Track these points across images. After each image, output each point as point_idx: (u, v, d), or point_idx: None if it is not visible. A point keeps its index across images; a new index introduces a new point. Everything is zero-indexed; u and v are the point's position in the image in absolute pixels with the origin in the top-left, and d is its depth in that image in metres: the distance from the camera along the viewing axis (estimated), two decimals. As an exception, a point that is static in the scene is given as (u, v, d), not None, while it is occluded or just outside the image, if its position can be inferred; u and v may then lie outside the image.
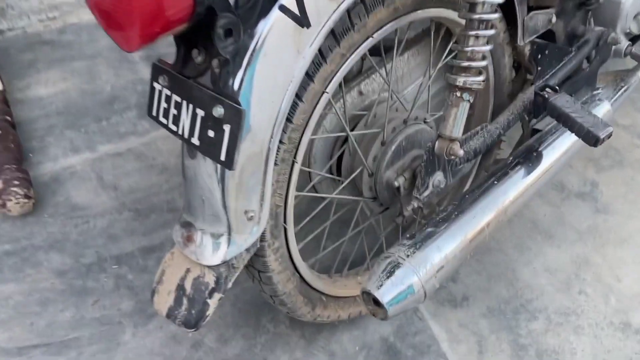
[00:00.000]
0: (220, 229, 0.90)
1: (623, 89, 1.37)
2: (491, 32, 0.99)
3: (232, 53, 0.78)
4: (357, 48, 0.96)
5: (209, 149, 0.81)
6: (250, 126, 0.82)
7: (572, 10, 1.36)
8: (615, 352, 1.33)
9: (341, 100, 1.16)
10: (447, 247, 1.05)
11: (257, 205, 0.90)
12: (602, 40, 1.33)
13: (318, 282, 1.17)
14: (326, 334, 1.34)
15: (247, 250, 0.94)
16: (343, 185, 1.16)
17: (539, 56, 1.31)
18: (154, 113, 0.89)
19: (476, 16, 0.97)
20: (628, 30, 1.42)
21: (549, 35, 1.34)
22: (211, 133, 0.80)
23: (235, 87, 0.79)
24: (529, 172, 1.19)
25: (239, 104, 0.77)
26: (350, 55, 0.95)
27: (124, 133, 1.72)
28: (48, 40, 2.06)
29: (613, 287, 1.45)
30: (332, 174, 1.20)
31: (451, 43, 1.21)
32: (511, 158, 1.22)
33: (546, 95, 1.17)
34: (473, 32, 0.98)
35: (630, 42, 1.42)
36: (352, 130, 1.14)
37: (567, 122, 1.15)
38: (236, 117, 0.77)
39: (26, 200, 1.44)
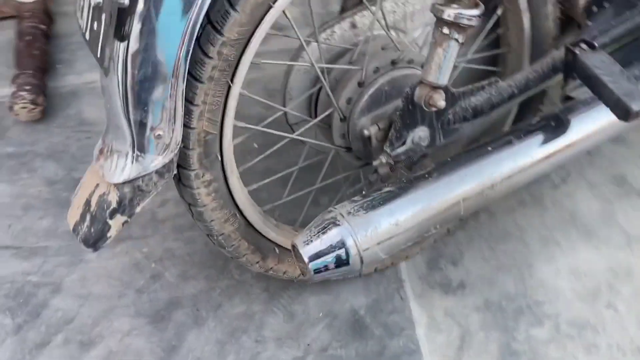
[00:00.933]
0: (125, 145, 0.80)
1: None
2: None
3: None
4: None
5: (91, 43, 0.70)
6: (143, 22, 0.70)
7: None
8: (631, 384, 1.08)
9: (328, 31, 1.00)
10: (402, 213, 0.88)
11: (166, 124, 0.79)
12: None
13: (271, 232, 1.04)
14: (292, 292, 1.21)
15: (159, 173, 0.83)
16: (308, 125, 1.01)
17: (595, 9, 1.05)
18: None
19: None
20: None
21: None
22: (95, 24, 0.69)
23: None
24: (537, 146, 0.96)
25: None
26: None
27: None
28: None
29: (653, 309, 1.17)
30: (310, 115, 1.05)
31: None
32: (521, 126, 1.00)
33: (577, 52, 0.93)
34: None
35: None
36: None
37: (595, 86, 0.90)
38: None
39: (33, 107, 1.44)
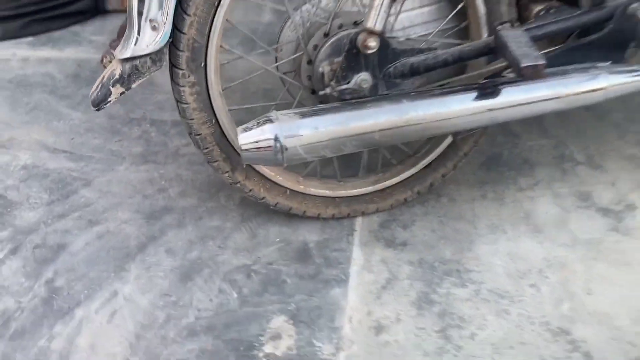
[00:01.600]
0: (133, 32, 1.12)
1: (634, 74, 1.20)
2: None
3: None
4: None
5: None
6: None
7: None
8: (529, 347, 1.16)
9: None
10: (324, 123, 1.11)
11: (160, 19, 1.10)
12: (618, 10, 1.20)
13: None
14: (260, 220, 1.44)
15: (152, 60, 1.14)
16: (281, 62, 1.28)
17: (541, 12, 1.25)
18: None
19: None
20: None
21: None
22: None
23: None
24: (456, 102, 1.15)
25: None
26: None
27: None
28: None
29: (575, 296, 1.25)
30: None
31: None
32: (454, 83, 1.20)
33: (499, 28, 1.13)
34: None
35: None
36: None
37: (504, 51, 1.09)
38: None
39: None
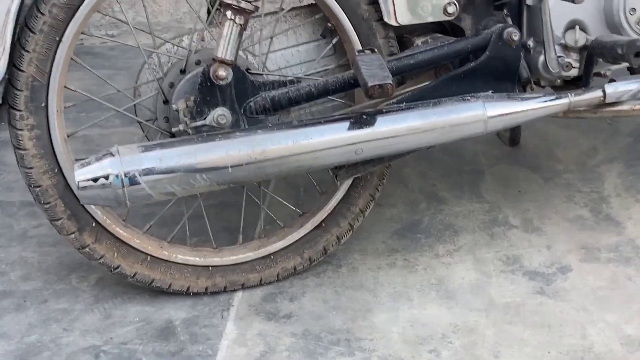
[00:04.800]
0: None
1: (516, 102, 1.73)
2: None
3: None
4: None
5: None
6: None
7: (484, 7, 1.84)
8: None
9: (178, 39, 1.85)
10: (169, 158, 1.60)
11: (-3, 52, 1.64)
12: (494, 36, 1.75)
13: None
14: (118, 301, 1.88)
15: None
16: (130, 105, 1.81)
17: (419, 43, 1.82)
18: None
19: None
20: (562, 42, 1.81)
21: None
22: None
23: None
24: (317, 133, 1.66)
25: None
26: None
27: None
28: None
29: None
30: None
31: None
32: (325, 115, 1.71)
33: (357, 53, 1.68)
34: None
35: (560, 56, 1.79)
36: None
37: (357, 73, 1.62)
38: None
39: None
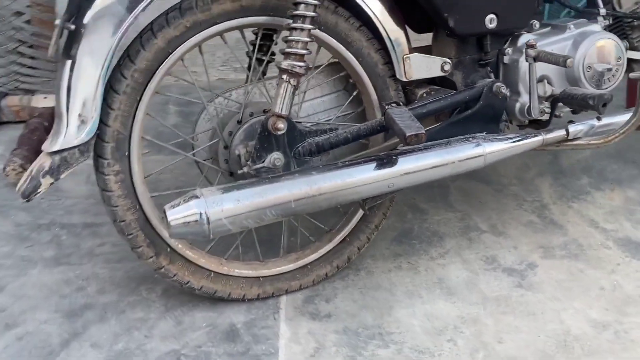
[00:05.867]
0: (62, 126, 1.46)
1: (506, 141, 1.67)
2: (309, 26, 1.49)
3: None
4: (201, 27, 1.52)
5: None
6: (82, 45, 1.41)
7: (471, 64, 1.76)
8: (451, 393, 1.49)
9: (228, 93, 1.69)
10: (244, 198, 1.46)
11: (89, 113, 1.45)
12: (486, 89, 1.69)
13: (165, 231, 1.62)
14: (185, 309, 1.72)
15: (80, 151, 1.47)
16: (198, 149, 1.65)
17: (424, 94, 1.72)
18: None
19: (297, 12, 1.48)
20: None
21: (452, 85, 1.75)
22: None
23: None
24: (360, 172, 1.55)
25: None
26: (193, 33, 1.52)
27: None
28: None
29: (489, 346, 1.60)
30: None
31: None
32: (360, 155, 1.61)
33: (387, 107, 1.57)
34: (296, 25, 1.49)
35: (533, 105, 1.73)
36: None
37: (389, 124, 1.52)
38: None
39: (20, 170, 2.15)
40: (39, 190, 1.46)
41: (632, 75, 1.79)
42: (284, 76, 1.51)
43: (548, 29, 1.80)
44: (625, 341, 1.59)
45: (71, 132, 1.45)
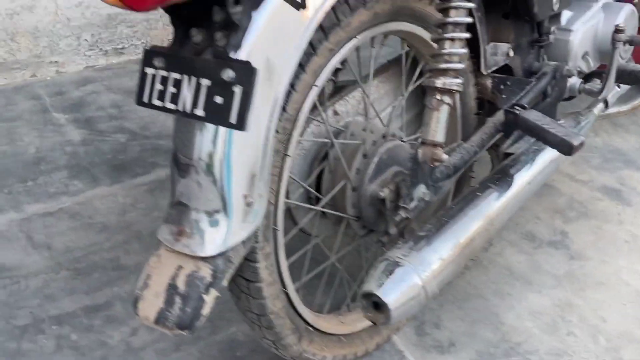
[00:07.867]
0: (218, 215, 1.00)
1: (582, 123, 1.65)
2: (466, 34, 1.23)
3: (239, 20, 0.95)
4: (343, 45, 1.16)
5: (216, 115, 0.94)
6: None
7: (527, 47, 1.66)
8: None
9: (326, 112, 1.33)
10: (443, 250, 1.20)
11: (255, 190, 1.02)
12: (558, 73, 1.62)
13: (303, 308, 1.26)
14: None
15: (244, 243, 1.04)
16: (326, 199, 1.30)
17: (502, 87, 1.58)
18: (146, 99, 1.02)
19: (451, 19, 1.21)
20: (579, 69, 1.74)
21: (506, 71, 1.62)
22: (219, 99, 0.94)
23: (243, 53, 0.95)
24: (509, 187, 1.39)
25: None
26: (338, 51, 1.15)
27: (53, 193, 1.79)
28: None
29: (599, 328, 1.62)
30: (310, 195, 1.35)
31: (420, 66, 1.46)
32: (490, 176, 1.43)
33: (517, 111, 1.41)
34: (449, 35, 1.22)
35: (582, 80, 1.73)
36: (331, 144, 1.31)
37: (540, 134, 1.38)
38: (249, 76, 0.92)
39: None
40: (203, 313, 1.01)
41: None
42: (437, 95, 1.24)
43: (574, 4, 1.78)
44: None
45: (236, 224, 1.01)
